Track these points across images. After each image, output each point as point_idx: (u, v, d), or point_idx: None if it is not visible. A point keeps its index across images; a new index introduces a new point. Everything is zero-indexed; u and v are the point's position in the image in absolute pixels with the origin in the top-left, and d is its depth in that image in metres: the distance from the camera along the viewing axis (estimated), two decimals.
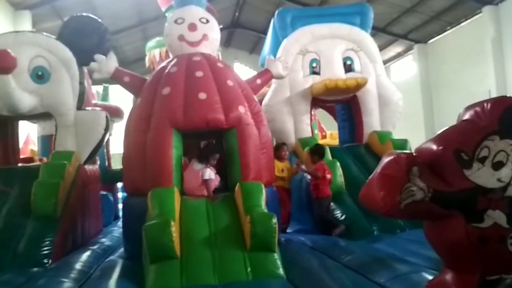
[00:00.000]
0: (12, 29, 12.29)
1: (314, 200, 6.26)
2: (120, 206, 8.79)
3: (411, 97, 16.30)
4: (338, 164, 6.55)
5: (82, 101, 6.66)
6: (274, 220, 4.36)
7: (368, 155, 7.33)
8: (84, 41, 6.53)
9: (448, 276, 2.74)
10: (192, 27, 5.91)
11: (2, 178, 6.04)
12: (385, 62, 14.90)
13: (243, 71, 21.43)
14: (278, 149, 6.77)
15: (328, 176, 6.14)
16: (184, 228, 4.52)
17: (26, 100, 6.16)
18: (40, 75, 6.43)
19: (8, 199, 5.70)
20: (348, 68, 7.69)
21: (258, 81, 6.27)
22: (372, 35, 8.41)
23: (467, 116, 2.73)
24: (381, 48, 12.90)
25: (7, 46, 6.05)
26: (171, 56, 6.34)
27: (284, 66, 6.53)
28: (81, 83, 6.64)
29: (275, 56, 7.00)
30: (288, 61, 7.18)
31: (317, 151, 6.51)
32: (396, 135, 7.68)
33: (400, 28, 18.45)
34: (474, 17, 16.07)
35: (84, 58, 6.25)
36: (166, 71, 5.61)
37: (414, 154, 2.75)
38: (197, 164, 5.29)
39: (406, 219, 5.54)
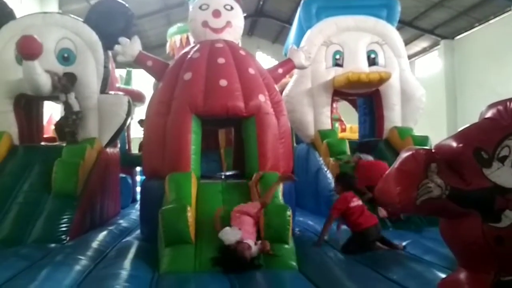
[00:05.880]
0: (39, 10, 12.43)
1: (354, 235, 4.81)
2: (138, 189, 8.91)
3: (434, 94, 16.02)
4: None
5: (106, 85, 6.76)
6: (289, 212, 4.36)
7: (388, 150, 7.26)
8: (110, 25, 6.61)
9: (462, 275, 2.71)
10: (216, 13, 5.91)
11: (26, 155, 6.20)
12: (410, 57, 14.69)
13: (265, 60, 21.31)
14: None
15: (354, 204, 4.77)
16: (200, 214, 4.56)
17: (50, 84, 6.24)
18: (66, 57, 6.54)
19: (30, 175, 5.84)
20: (372, 62, 7.61)
21: (280, 70, 6.26)
22: (398, 28, 8.29)
23: (489, 114, 2.67)
24: (407, 42, 12.66)
25: (35, 27, 6.16)
26: (192, 42, 6.35)
27: (307, 56, 6.49)
28: (106, 67, 6.73)
29: (298, 47, 6.96)
30: (311, 52, 7.14)
31: (343, 180, 5.11)
32: (418, 132, 7.60)
33: (427, 23, 18.08)
34: (503, 15, 15.65)
35: (109, 42, 6.31)
36: (189, 56, 5.62)
37: (433, 151, 2.72)
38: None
39: (421, 216, 5.49)
